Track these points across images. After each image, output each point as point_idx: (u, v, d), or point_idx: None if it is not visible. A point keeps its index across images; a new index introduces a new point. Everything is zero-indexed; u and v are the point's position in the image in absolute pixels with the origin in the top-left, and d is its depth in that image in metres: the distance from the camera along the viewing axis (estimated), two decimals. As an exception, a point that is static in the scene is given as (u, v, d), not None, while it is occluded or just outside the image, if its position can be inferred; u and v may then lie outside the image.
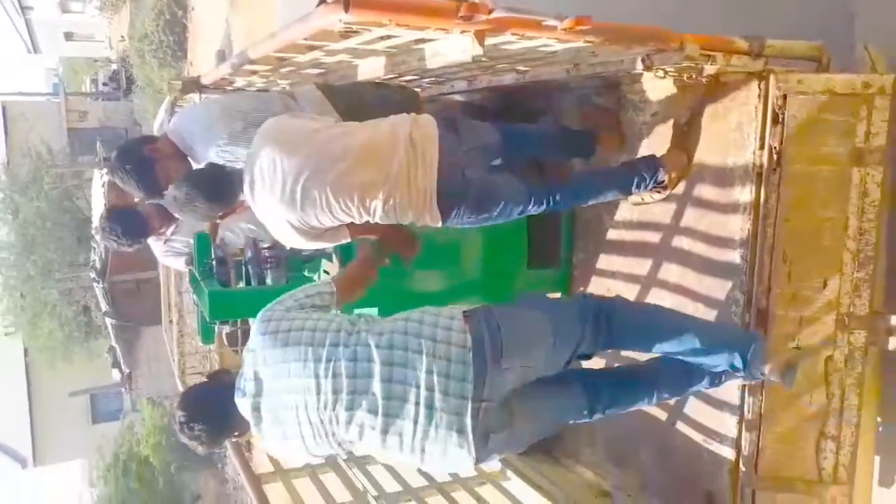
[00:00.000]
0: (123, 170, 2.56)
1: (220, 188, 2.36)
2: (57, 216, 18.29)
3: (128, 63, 20.33)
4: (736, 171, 2.33)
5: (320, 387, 1.88)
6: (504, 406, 1.90)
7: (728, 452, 2.35)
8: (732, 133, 2.34)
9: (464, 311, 1.94)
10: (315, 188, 2.22)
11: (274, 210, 2.29)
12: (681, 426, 2.55)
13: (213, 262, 2.79)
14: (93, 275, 12.74)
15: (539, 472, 3.00)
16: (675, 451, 2.57)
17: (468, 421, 1.83)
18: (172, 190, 2.38)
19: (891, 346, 2.14)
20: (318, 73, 2.94)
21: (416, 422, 1.85)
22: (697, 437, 2.47)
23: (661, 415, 2.63)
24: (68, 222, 18.26)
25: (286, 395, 1.91)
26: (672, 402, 2.57)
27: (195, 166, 2.61)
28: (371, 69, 2.60)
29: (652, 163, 2.54)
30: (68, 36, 26.50)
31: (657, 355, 2.23)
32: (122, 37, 21.27)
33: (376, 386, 1.86)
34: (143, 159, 2.59)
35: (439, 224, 2.34)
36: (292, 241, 2.39)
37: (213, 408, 2.00)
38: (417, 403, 1.84)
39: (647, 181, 2.53)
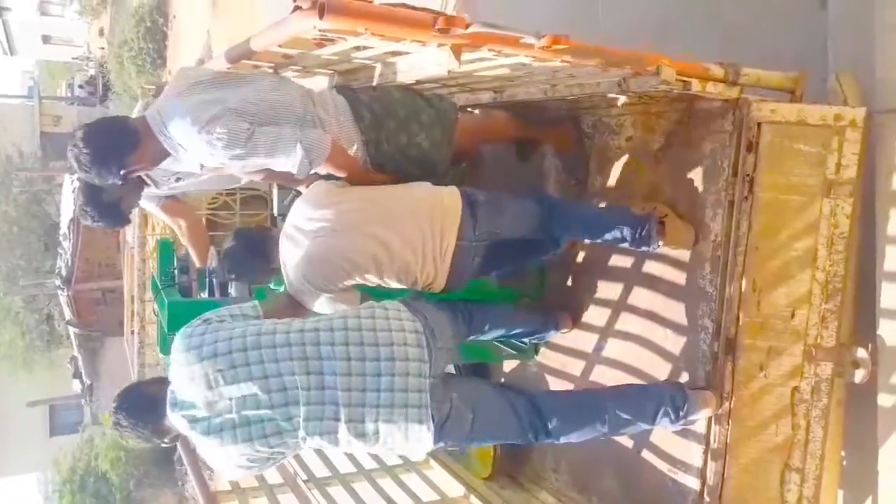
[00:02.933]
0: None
1: (262, 252, 2.46)
2: (25, 221, 17.98)
3: (105, 69, 20.16)
4: (708, 199, 2.33)
5: (266, 389, 1.94)
6: (444, 384, 2.08)
7: (693, 482, 2.32)
8: (706, 160, 2.34)
9: (401, 300, 2.13)
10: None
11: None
12: (646, 454, 2.52)
13: (175, 271, 2.73)
14: (58, 282, 12.50)
15: (501, 496, 2.96)
16: (639, 480, 2.54)
17: (427, 396, 1.99)
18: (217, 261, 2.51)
19: (857, 379, 2.13)
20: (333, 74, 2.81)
21: (377, 406, 1.96)
22: (663, 465, 2.44)
23: (628, 442, 2.59)
24: (36, 228, 17.95)
25: (227, 408, 1.94)
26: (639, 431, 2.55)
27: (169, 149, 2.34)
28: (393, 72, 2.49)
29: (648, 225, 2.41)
30: (46, 39, 26.21)
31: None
32: (101, 46, 21.11)
33: (335, 380, 1.95)
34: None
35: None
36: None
37: (146, 413, 2.04)
38: (377, 391, 1.96)
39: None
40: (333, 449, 2.08)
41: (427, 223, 2.31)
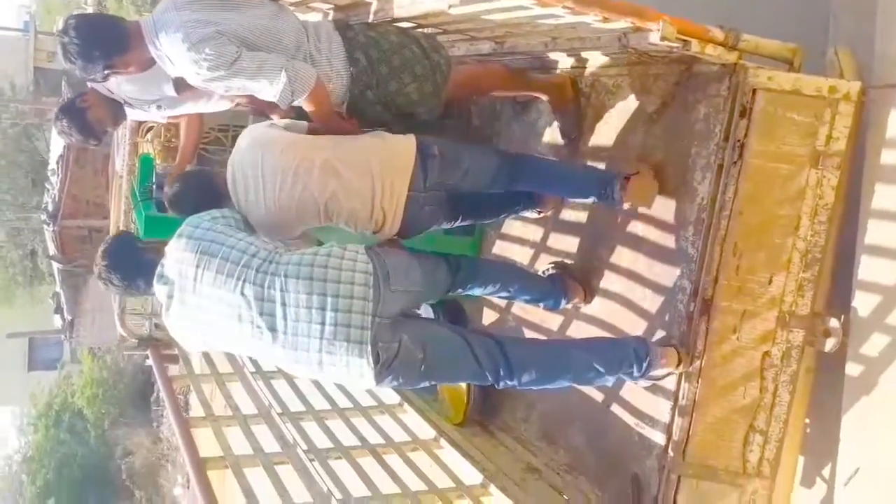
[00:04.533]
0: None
1: (207, 195, 2.47)
2: (13, 155, 17.75)
3: (104, 6, 19.82)
4: (698, 162, 2.36)
5: (230, 301, 2.16)
6: (395, 324, 2.18)
7: (659, 437, 2.38)
8: (699, 123, 2.36)
9: (364, 246, 2.25)
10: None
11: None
12: (615, 409, 2.57)
13: (153, 186, 2.85)
14: (44, 217, 12.38)
15: (472, 443, 3.02)
16: (607, 433, 2.59)
17: (368, 333, 2.13)
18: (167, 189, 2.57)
19: (827, 348, 2.18)
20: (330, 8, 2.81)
21: (321, 338, 2.14)
22: (630, 420, 2.50)
23: (598, 396, 2.65)
24: (24, 163, 17.72)
25: (199, 298, 2.20)
26: (609, 385, 2.60)
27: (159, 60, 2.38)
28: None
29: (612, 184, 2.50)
30: (45, -28, 25.70)
31: None
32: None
33: (286, 310, 2.14)
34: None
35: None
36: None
37: (139, 277, 2.31)
38: (322, 323, 2.13)
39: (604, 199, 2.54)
40: (283, 363, 2.30)
41: (377, 173, 2.39)
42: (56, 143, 12.13)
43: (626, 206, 2.51)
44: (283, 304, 2.15)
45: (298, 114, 2.49)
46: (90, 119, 2.82)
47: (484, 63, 2.93)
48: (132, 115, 3.00)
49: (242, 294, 2.15)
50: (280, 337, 2.17)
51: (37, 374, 20.57)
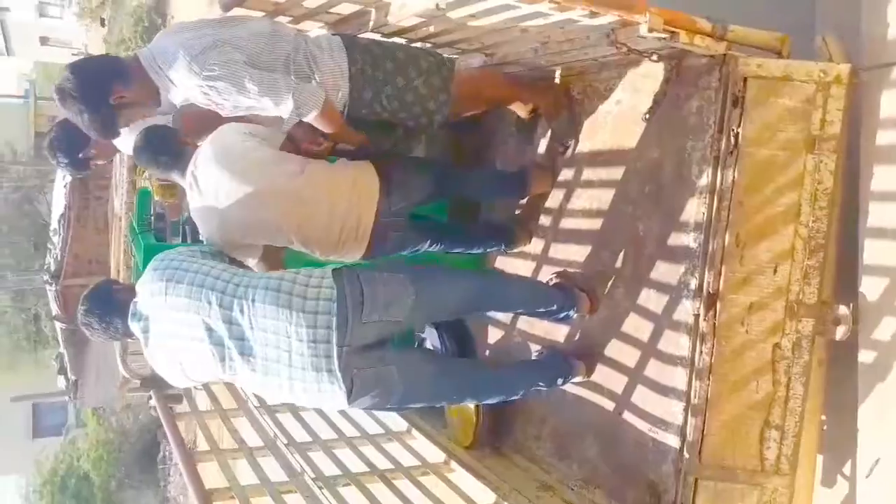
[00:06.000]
0: (66, 84, 2.21)
1: (166, 149, 2.50)
2: (15, 220, 17.85)
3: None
4: (694, 156, 2.34)
5: (205, 325, 2.17)
6: (370, 350, 2.19)
7: (673, 440, 2.31)
8: (692, 117, 2.35)
9: (333, 269, 2.21)
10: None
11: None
12: (628, 416, 2.51)
13: (152, 218, 2.83)
14: (46, 276, 12.37)
15: (483, 464, 2.94)
16: (620, 442, 2.52)
17: (335, 361, 2.12)
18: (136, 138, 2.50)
19: (837, 336, 2.13)
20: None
21: (290, 366, 2.14)
22: (643, 426, 2.43)
23: (608, 405, 2.59)
24: (26, 228, 17.82)
25: (171, 325, 2.23)
26: (619, 391, 2.55)
27: (165, 97, 2.38)
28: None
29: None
30: (44, 40, 26.17)
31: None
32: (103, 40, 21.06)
33: (253, 335, 2.15)
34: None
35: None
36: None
37: (117, 317, 2.33)
38: (289, 351, 2.13)
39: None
40: (255, 387, 2.35)
41: (343, 204, 2.47)
42: (57, 204, 12.17)
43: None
44: (251, 328, 2.15)
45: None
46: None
47: (481, 69, 2.93)
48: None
49: (210, 316, 2.16)
50: (250, 361, 2.18)
51: (42, 441, 20.31)
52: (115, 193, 4.13)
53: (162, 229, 2.97)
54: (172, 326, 2.24)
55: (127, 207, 3.72)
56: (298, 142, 2.51)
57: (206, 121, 2.55)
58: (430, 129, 2.68)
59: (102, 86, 2.23)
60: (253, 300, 2.15)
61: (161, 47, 2.24)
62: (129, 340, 3.99)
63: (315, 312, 2.13)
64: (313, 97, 2.30)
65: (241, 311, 2.15)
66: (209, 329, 2.18)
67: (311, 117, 2.34)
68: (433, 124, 2.62)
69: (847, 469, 2.29)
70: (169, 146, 2.50)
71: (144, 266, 2.79)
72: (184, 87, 2.22)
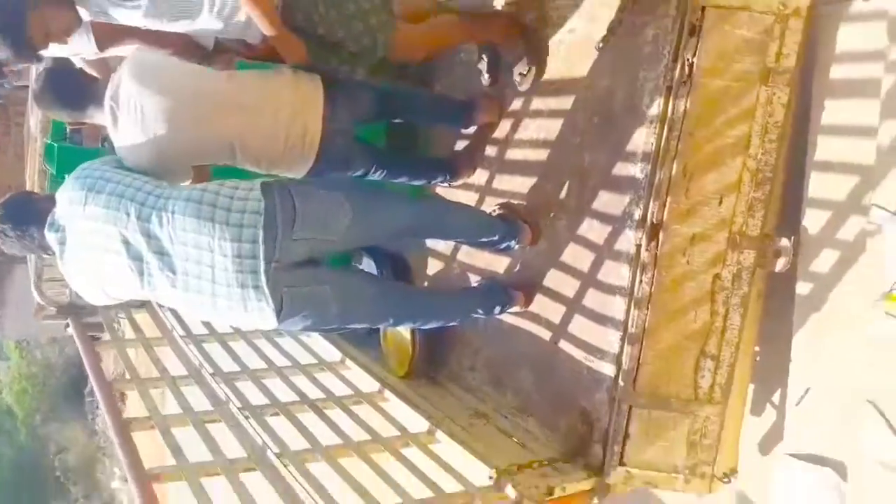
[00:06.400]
0: None
1: (68, 92, 2.34)
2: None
3: None
4: (646, 86, 2.28)
5: (122, 237, 2.06)
6: (301, 268, 2.11)
7: (608, 369, 2.30)
8: (647, 46, 2.29)
9: (262, 183, 2.10)
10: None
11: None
12: (564, 346, 2.50)
13: (68, 130, 2.70)
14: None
15: (418, 393, 2.91)
16: (555, 371, 2.51)
17: (262, 278, 2.03)
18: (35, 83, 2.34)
19: (777, 268, 2.14)
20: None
21: (213, 282, 2.05)
22: (579, 354, 2.42)
23: (545, 335, 2.57)
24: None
25: (89, 236, 2.11)
26: (557, 321, 2.53)
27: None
28: None
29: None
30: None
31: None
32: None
33: (173, 249, 2.04)
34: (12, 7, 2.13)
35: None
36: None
37: (33, 225, 2.19)
38: (212, 266, 2.03)
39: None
40: (176, 304, 2.24)
41: (288, 114, 2.32)
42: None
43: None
44: (171, 242, 2.05)
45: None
46: (31, 20, 2.08)
47: (433, 21, 2.80)
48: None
49: (127, 229, 2.06)
50: (170, 277, 2.08)
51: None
52: (31, 112, 3.87)
53: (78, 141, 2.82)
54: (90, 237, 2.13)
55: (42, 126, 3.49)
56: (228, 52, 2.37)
57: (119, 32, 2.37)
58: (373, 55, 2.50)
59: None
60: (173, 212, 2.04)
61: None
62: (43, 263, 3.88)
63: (240, 225, 2.03)
64: None
65: (161, 223, 2.05)
66: (126, 242, 2.08)
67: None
68: (377, 47, 2.47)
69: (776, 398, 2.33)
70: (74, 85, 2.33)
71: (59, 170, 2.74)
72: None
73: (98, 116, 2.34)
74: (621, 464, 2.25)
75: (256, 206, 2.05)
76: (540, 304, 2.61)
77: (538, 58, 2.71)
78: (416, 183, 2.98)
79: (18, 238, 2.22)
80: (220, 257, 2.04)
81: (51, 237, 2.19)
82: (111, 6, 2.08)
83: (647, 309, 2.19)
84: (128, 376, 3.15)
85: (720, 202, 2.16)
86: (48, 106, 2.42)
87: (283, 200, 2.08)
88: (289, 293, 2.10)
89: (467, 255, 2.97)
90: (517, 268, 2.74)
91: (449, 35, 2.79)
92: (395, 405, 2.86)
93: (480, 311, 2.59)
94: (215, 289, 2.08)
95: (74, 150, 2.84)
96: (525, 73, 2.77)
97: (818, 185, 2.13)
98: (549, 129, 2.66)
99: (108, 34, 2.41)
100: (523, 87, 2.76)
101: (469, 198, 3.00)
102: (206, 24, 2.20)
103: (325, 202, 2.18)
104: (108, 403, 2.76)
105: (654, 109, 2.24)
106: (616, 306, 2.28)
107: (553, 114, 2.67)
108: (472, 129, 2.97)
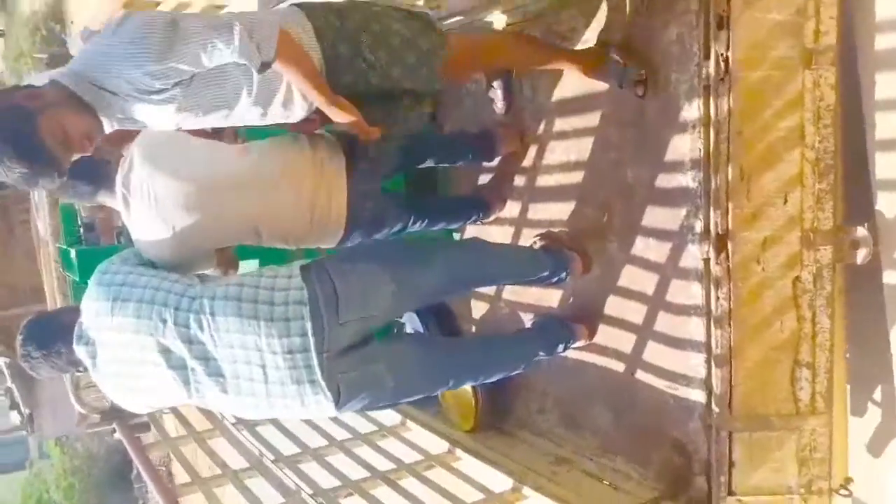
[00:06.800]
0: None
1: (83, 173, 2.14)
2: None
3: (4, 86, 19.05)
4: (680, 88, 2.15)
5: (160, 346, 1.93)
6: (353, 351, 1.97)
7: (697, 395, 2.16)
8: (672, 46, 2.16)
9: (301, 266, 1.98)
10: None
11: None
12: (640, 375, 2.35)
13: (81, 230, 2.57)
14: (-19, 310, 11.73)
15: (489, 446, 2.76)
16: (636, 403, 2.36)
17: (317, 371, 1.91)
18: None
19: (859, 259, 1.98)
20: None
21: (266, 382, 1.93)
22: (660, 383, 2.27)
23: (616, 366, 2.42)
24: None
25: (120, 350, 1.98)
26: (628, 350, 2.38)
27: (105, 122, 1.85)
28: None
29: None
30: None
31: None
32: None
33: (218, 352, 1.92)
34: (18, 113, 1.69)
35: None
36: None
37: (57, 342, 2.05)
38: (263, 365, 1.91)
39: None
40: (227, 409, 2.15)
41: (310, 186, 2.19)
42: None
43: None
44: (215, 346, 1.92)
45: None
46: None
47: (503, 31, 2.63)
48: None
49: (165, 336, 1.93)
50: (220, 382, 1.95)
51: (5, 478, 19.53)
52: (38, 216, 3.77)
53: (94, 239, 2.70)
54: (121, 351, 1.99)
55: (52, 230, 3.38)
56: None
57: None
58: (432, 86, 2.13)
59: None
60: (212, 314, 1.91)
61: (87, 58, 1.78)
62: (77, 374, 3.76)
63: (286, 319, 1.90)
64: (264, 22, 1.80)
65: (201, 327, 1.92)
66: (166, 351, 1.95)
67: (272, 52, 1.78)
68: (434, 75, 2.10)
69: (878, 396, 2.18)
70: (85, 168, 2.17)
71: (82, 277, 2.59)
72: (115, 80, 1.76)
73: (111, 202, 2.22)
74: (730, 493, 2.09)
75: (299, 295, 1.92)
76: (604, 334, 2.47)
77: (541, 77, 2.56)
78: (455, 225, 2.84)
79: (45, 357, 2.07)
80: (270, 355, 1.92)
81: (80, 351, 2.05)
82: (137, 102, 1.84)
83: (730, 326, 2.03)
84: (184, 476, 3.01)
85: (785, 200, 2.01)
86: (63, 193, 2.33)
87: (322, 285, 1.95)
88: (344, 380, 1.97)
89: (513, 292, 2.83)
90: (571, 299, 2.60)
91: (525, 50, 2.42)
92: (469, 464, 2.71)
93: (542, 353, 2.44)
94: (269, 389, 1.96)
95: (94, 251, 2.69)
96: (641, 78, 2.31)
97: (885, 165, 1.98)
98: (580, 148, 2.53)
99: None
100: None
101: (504, 233, 2.87)
102: (244, 111, 1.96)
103: (363, 277, 2.03)
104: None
105: (694, 112, 2.11)
106: (692, 327, 2.14)
107: (580, 132, 2.54)
108: (495, 162, 2.84)
